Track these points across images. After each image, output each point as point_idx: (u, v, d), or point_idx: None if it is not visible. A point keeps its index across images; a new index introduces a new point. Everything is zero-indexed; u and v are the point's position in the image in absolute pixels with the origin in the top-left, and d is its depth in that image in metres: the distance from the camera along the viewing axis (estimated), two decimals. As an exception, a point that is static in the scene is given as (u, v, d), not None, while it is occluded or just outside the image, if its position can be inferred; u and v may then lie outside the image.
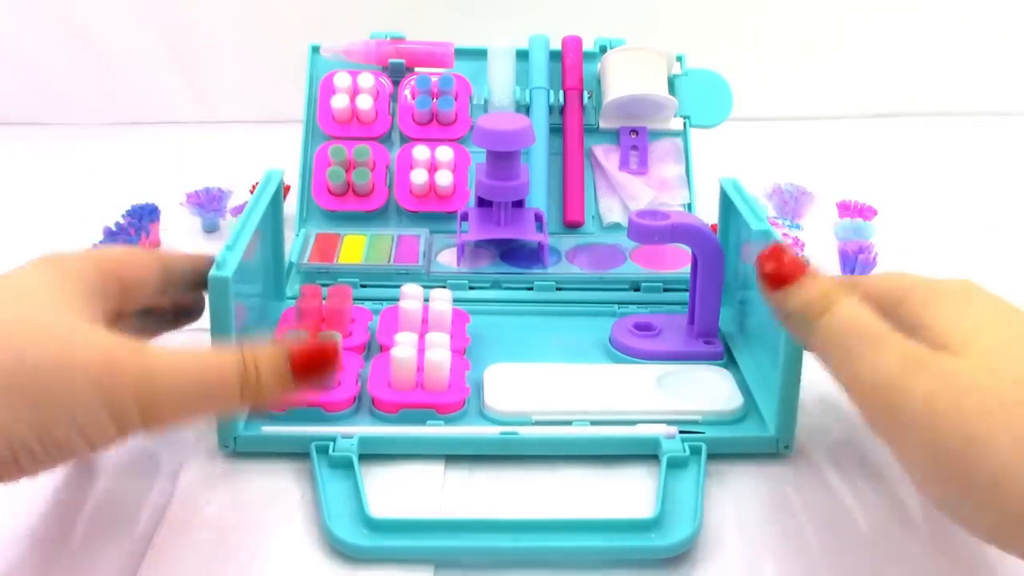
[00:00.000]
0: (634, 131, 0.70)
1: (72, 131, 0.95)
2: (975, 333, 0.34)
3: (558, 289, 0.61)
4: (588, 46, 0.72)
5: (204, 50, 0.99)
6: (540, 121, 0.69)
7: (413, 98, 0.68)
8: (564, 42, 0.71)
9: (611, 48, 0.70)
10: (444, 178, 0.64)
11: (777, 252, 0.39)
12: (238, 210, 0.66)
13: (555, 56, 0.71)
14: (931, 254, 0.71)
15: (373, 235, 0.63)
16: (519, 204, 0.62)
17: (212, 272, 0.42)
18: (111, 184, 0.81)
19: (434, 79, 0.68)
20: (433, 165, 0.65)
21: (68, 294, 0.36)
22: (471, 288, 0.60)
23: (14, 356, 0.32)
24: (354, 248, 0.62)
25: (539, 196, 0.66)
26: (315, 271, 0.60)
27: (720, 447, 0.46)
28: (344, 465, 0.43)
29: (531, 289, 0.60)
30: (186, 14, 0.96)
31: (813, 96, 1.04)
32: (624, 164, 0.70)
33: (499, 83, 0.69)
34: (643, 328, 0.56)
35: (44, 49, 0.96)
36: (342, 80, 0.67)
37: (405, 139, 0.68)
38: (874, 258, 0.65)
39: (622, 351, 0.54)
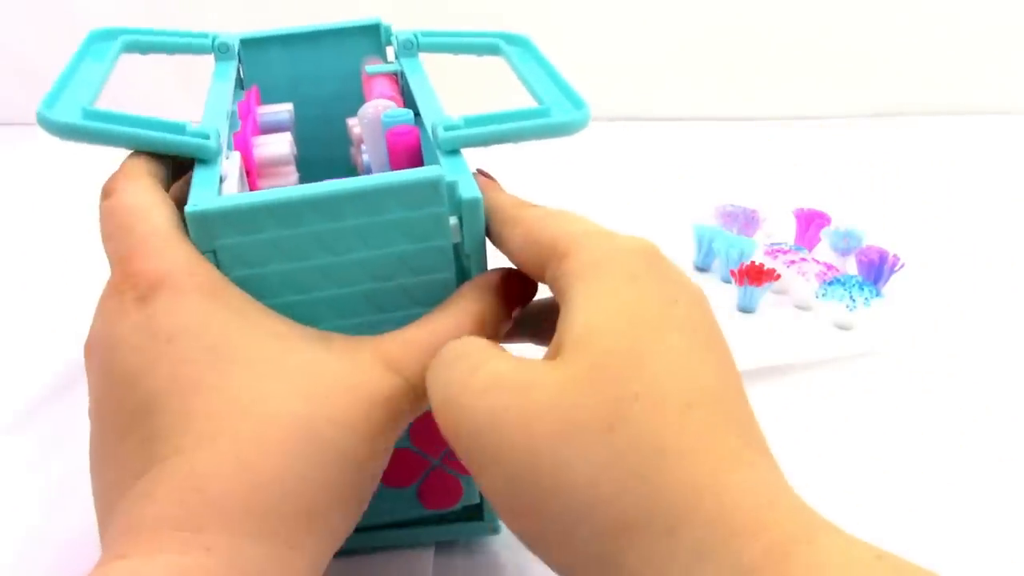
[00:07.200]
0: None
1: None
2: (595, 333, 0.26)
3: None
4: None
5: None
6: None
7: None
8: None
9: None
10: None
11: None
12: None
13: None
14: (925, 257, 0.64)
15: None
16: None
17: None
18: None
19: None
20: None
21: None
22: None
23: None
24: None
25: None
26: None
27: None
28: None
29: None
30: (185, 14, 0.99)
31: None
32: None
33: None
34: None
35: (44, 49, 0.93)
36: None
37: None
38: (901, 265, 0.60)
39: None
